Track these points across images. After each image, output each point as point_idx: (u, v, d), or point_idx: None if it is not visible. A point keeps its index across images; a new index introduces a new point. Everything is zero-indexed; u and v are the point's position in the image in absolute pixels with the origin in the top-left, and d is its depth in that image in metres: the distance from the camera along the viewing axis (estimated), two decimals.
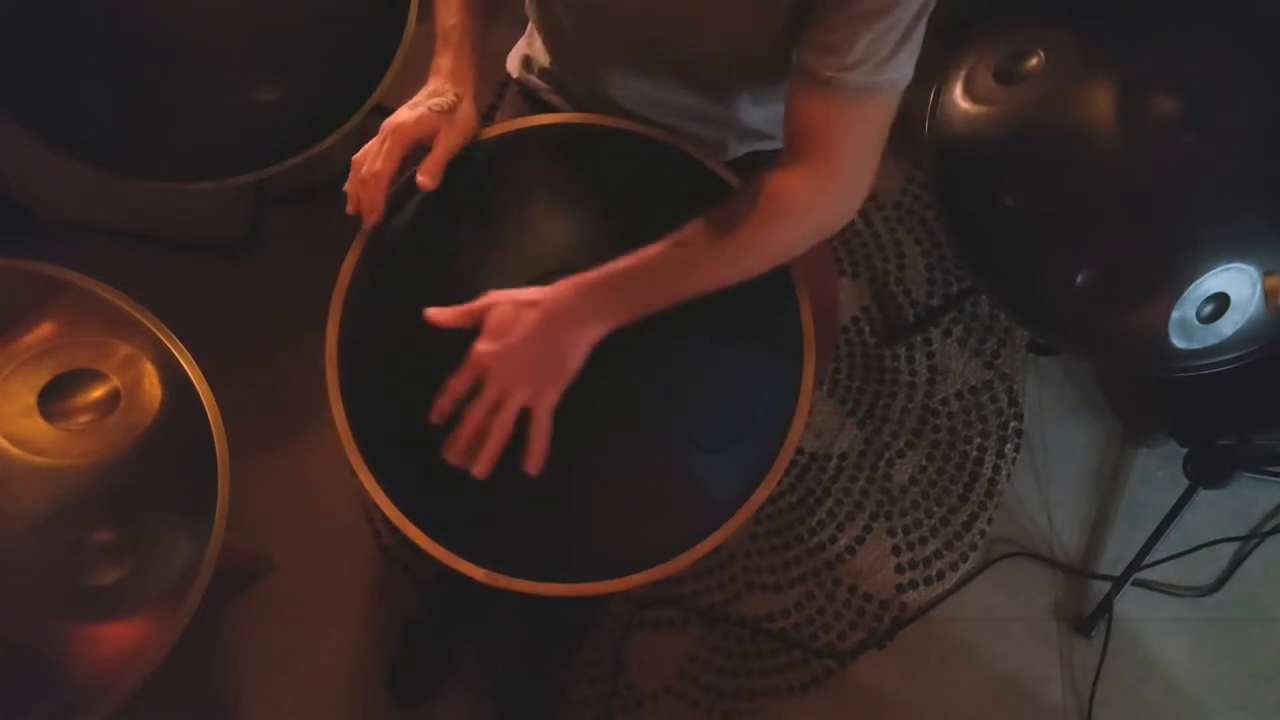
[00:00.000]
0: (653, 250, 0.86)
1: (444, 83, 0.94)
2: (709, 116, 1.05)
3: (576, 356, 0.84)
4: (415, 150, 0.92)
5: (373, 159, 0.91)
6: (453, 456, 0.84)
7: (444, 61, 0.95)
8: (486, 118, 0.98)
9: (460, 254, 0.94)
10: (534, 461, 0.83)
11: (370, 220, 0.92)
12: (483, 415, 0.83)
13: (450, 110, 0.92)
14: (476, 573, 0.88)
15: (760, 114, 1.08)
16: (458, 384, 0.84)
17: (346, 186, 0.92)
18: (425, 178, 0.91)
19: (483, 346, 0.83)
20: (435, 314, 0.85)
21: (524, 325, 0.83)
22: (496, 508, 0.91)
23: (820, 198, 0.88)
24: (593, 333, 0.84)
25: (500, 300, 0.85)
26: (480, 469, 0.83)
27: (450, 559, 0.88)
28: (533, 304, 0.84)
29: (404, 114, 0.92)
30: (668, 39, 0.93)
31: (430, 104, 0.92)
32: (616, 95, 1.05)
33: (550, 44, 1.10)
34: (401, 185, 0.95)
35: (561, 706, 1.60)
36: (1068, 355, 1.83)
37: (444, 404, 0.84)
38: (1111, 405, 1.84)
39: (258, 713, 1.58)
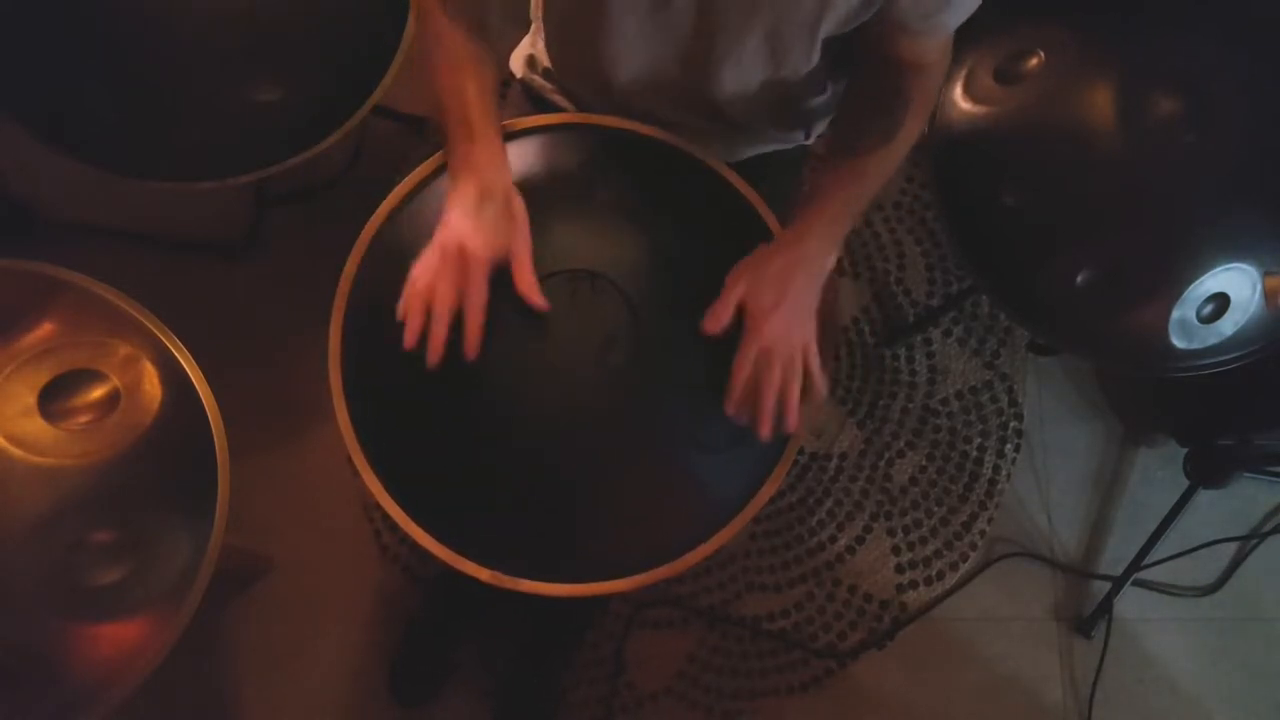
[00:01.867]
0: (834, 182, 0.96)
1: (484, 180, 0.88)
2: (718, 118, 1.06)
3: (818, 291, 0.93)
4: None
5: (450, 284, 0.85)
6: (763, 430, 0.89)
7: (479, 156, 0.88)
8: None
9: None
10: (820, 389, 0.92)
11: (470, 354, 0.87)
12: (776, 382, 0.89)
13: (512, 218, 0.88)
14: (482, 573, 0.88)
15: (768, 120, 1.09)
16: (744, 362, 0.89)
17: (412, 306, 0.86)
18: (536, 299, 0.88)
19: (763, 332, 0.89)
20: (710, 324, 0.90)
21: (784, 295, 0.90)
22: (501, 508, 0.91)
23: (927, 107, 1.01)
24: (829, 266, 0.93)
25: (747, 281, 0.90)
26: (793, 424, 0.91)
27: (455, 560, 0.88)
28: (781, 273, 0.90)
29: (471, 239, 0.85)
30: (707, 52, 0.94)
31: (490, 216, 0.87)
32: (629, 100, 1.05)
33: (555, 46, 1.10)
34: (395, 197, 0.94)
35: (561, 707, 1.60)
36: (1068, 355, 1.83)
37: (737, 387, 0.89)
38: (1111, 405, 1.84)
39: (258, 713, 1.58)
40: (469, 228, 0.86)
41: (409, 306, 0.86)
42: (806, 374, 0.91)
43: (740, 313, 0.91)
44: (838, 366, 1.81)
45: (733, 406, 0.90)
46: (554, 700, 1.58)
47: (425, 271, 0.86)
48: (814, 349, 0.92)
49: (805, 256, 0.92)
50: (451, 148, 0.90)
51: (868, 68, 0.99)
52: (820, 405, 0.94)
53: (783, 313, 0.90)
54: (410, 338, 0.85)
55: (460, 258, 0.85)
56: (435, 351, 0.85)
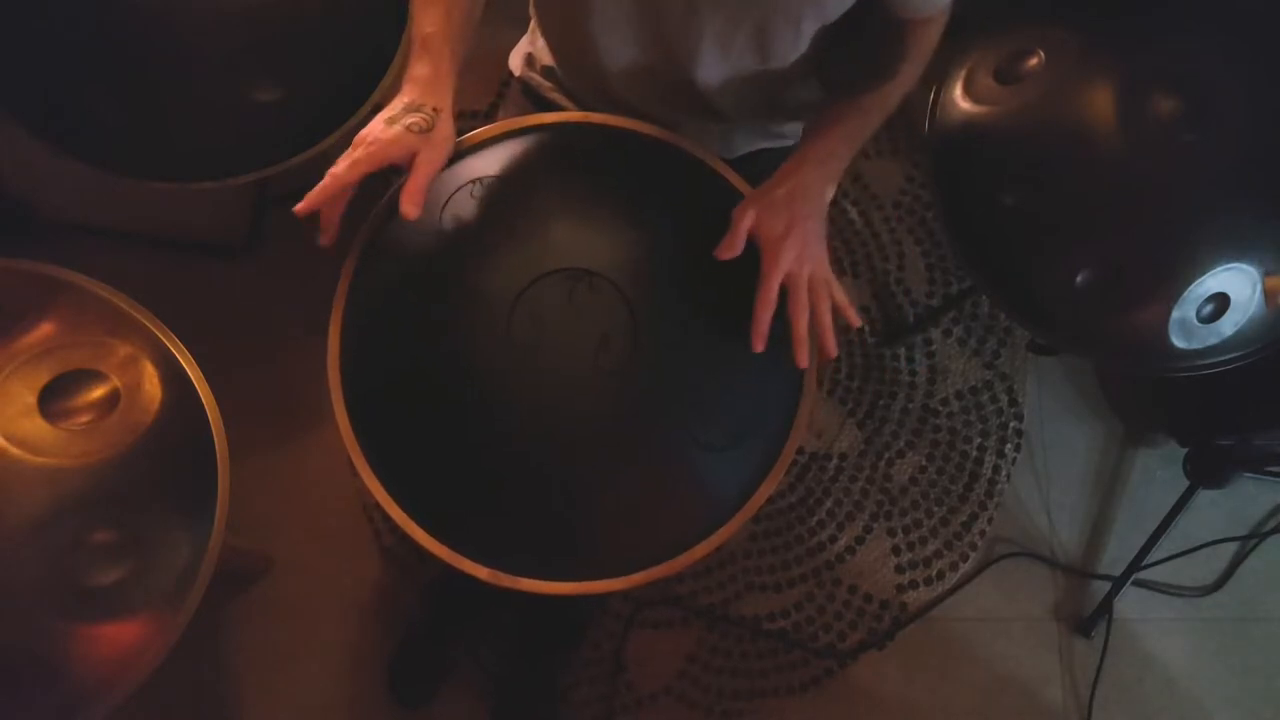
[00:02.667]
0: (831, 117, 0.98)
1: (421, 95, 0.90)
2: (711, 112, 1.06)
3: (823, 222, 0.94)
4: (388, 169, 0.89)
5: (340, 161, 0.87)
6: (801, 357, 0.90)
7: (421, 70, 0.91)
8: (488, 117, 0.98)
9: (462, 253, 0.94)
10: (854, 318, 0.94)
11: (324, 240, 0.88)
12: (805, 305, 0.90)
13: (428, 129, 0.88)
14: (481, 572, 0.88)
15: (761, 112, 1.09)
16: (770, 291, 0.89)
17: (310, 192, 0.88)
18: (410, 206, 0.87)
19: (781, 258, 0.89)
20: (724, 252, 0.90)
21: (792, 220, 0.91)
22: (500, 507, 0.91)
23: (927, 52, 1.02)
24: (829, 197, 0.95)
25: (755, 210, 0.91)
26: (832, 347, 0.91)
27: (454, 559, 0.88)
28: (786, 199, 0.91)
29: (379, 130, 0.88)
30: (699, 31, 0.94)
31: (407, 122, 0.88)
32: (623, 94, 1.05)
33: (557, 45, 1.10)
34: (391, 197, 0.94)
35: (561, 707, 1.59)
36: (1068, 355, 1.83)
37: (765, 319, 0.89)
38: (1111, 405, 1.84)
39: (258, 713, 1.58)
40: (380, 125, 0.88)
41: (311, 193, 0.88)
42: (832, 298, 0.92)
43: (751, 243, 0.91)
44: (838, 366, 1.82)
45: (760, 341, 0.88)
46: (553, 701, 1.58)
47: (340, 161, 0.88)
48: (831, 275, 0.92)
49: (804, 184, 0.93)
50: (409, 57, 0.93)
51: (867, 24, 0.99)
52: (852, 326, 0.95)
53: (795, 238, 0.90)
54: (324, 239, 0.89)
55: (354, 148, 0.88)
56: (305, 202, 0.87)
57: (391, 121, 0.88)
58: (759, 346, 0.88)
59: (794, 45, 0.96)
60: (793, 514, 1.74)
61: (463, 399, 0.91)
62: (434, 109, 0.89)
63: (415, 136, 0.88)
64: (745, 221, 0.90)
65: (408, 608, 1.62)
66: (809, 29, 0.94)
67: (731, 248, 0.90)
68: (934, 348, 1.83)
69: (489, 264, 0.93)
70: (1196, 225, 1.16)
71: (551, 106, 1.15)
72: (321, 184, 0.85)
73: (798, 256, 0.90)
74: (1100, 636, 1.71)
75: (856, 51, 1.02)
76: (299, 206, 0.86)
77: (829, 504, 1.75)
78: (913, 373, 1.82)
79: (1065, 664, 1.72)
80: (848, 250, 1.87)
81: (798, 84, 1.07)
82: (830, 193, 0.95)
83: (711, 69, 0.99)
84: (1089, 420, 1.84)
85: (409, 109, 0.89)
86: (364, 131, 0.89)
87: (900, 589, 1.73)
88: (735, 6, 0.90)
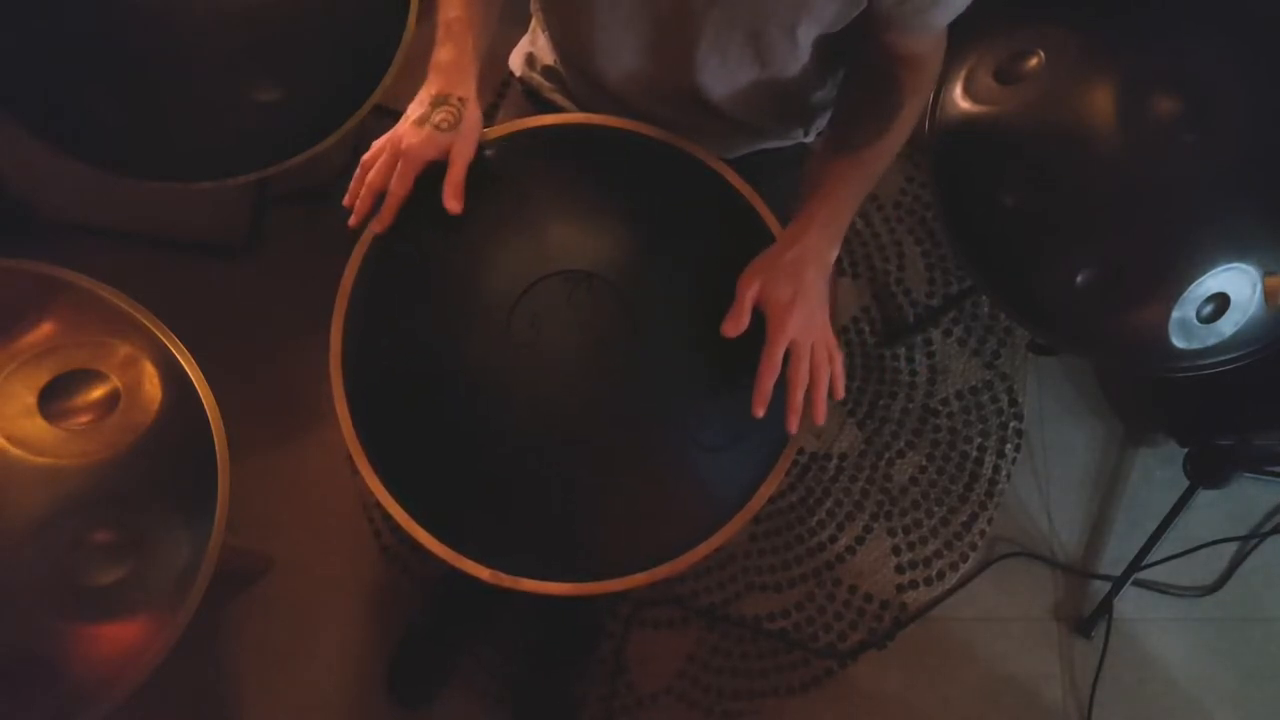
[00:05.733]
0: (833, 176, 0.96)
1: (445, 84, 0.93)
2: (715, 116, 1.06)
3: (827, 284, 0.94)
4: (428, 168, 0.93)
5: (381, 170, 0.91)
6: (792, 424, 0.89)
7: (445, 55, 0.94)
8: (488, 117, 0.98)
9: (464, 253, 0.94)
10: (840, 389, 0.92)
11: (377, 228, 0.92)
12: (805, 375, 0.90)
13: (456, 124, 0.91)
14: (482, 573, 0.88)
15: (768, 116, 1.09)
16: (774, 359, 0.89)
17: (352, 187, 0.93)
18: (453, 202, 0.91)
19: (788, 326, 0.89)
20: (729, 328, 0.90)
21: (799, 287, 0.90)
22: (501, 508, 0.91)
23: (924, 97, 1.02)
24: (834, 257, 0.95)
25: (761, 279, 0.90)
26: (821, 417, 0.91)
27: (455, 559, 0.88)
28: (792, 266, 0.91)
29: (411, 134, 0.91)
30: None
31: (436, 120, 0.91)
32: (626, 98, 1.05)
33: (560, 46, 1.10)
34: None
35: (577, 715, 1.59)
36: (1068, 355, 1.83)
37: (767, 387, 0.88)
38: (1112, 405, 1.84)
39: (258, 713, 1.58)
40: (412, 125, 0.92)
41: (352, 189, 0.93)
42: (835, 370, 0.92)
43: (757, 312, 0.91)
44: None
45: (762, 407, 0.88)
46: (570, 708, 1.58)
47: (371, 157, 0.93)
48: (834, 341, 0.92)
49: (811, 249, 0.93)
50: (434, 45, 0.95)
51: (862, 61, 0.99)
52: (836, 398, 0.94)
53: (800, 305, 0.90)
54: (354, 219, 0.93)
55: (395, 151, 0.91)
56: (356, 215, 0.93)
57: (421, 122, 0.91)
58: (760, 412, 0.88)
59: (792, 53, 0.95)
60: (793, 514, 1.74)
61: (463, 399, 0.91)
62: (460, 99, 0.92)
63: (445, 134, 0.91)
64: (751, 292, 0.90)
65: (408, 608, 1.62)
66: (806, 36, 0.93)
67: (737, 323, 0.90)
68: (934, 348, 1.83)
69: (490, 266, 0.93)
70: (1196, 225, 1.16)
71: (552, 107, 1.15)
72: (387, 203, 0.91)
73: (802, 325, 0.90)
74: (1100, 636, 1.71)
75: (855, 100, 1.02)
76: (378, 229, 0.92)
77: (829, 504, 1.75)
78: (913, 373, 1.82)
79: (1065, 664, 1.72)
80: (847, 250, 1.87)
81: (806, 89, 1.06)
82: (835, 253, 0.95)
83: (712, 77, 0.99)
84: (1089, 420, 1.84)
85: (436, 103, 0.92)
86: (397, 135, 0.91)
87: (900, 589, 1.73)
88: (727, 12, 0.90)
